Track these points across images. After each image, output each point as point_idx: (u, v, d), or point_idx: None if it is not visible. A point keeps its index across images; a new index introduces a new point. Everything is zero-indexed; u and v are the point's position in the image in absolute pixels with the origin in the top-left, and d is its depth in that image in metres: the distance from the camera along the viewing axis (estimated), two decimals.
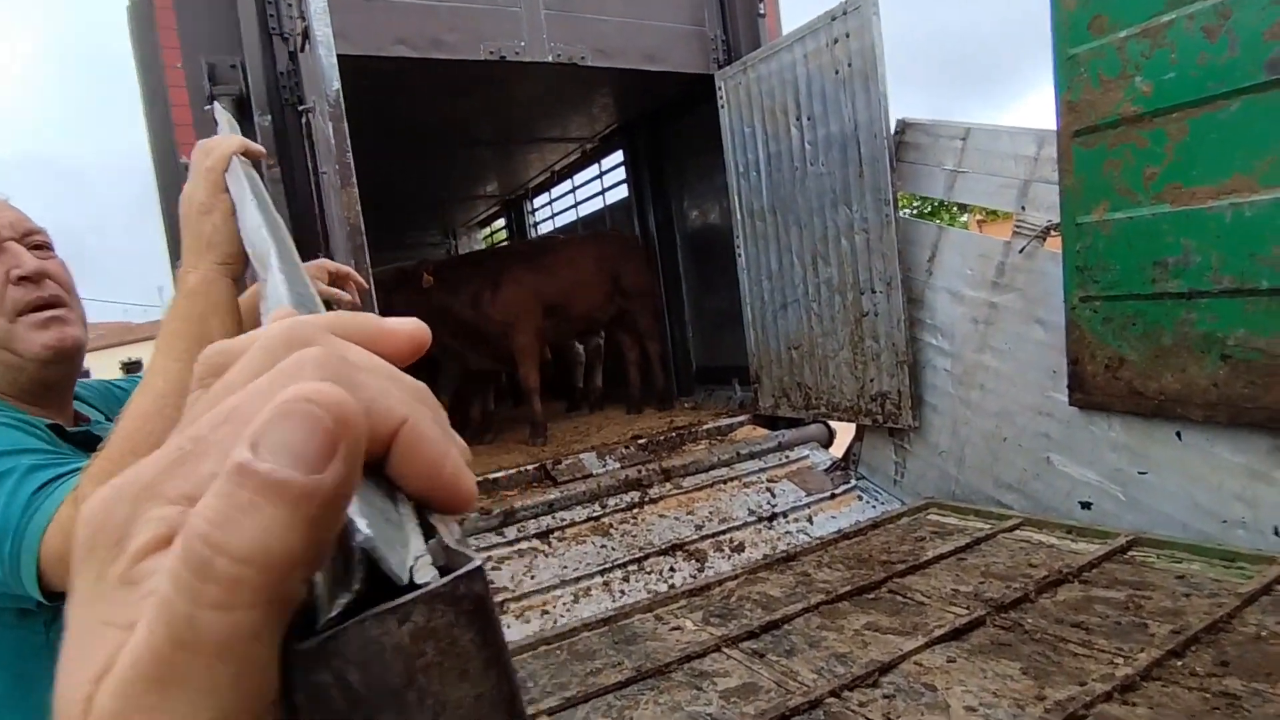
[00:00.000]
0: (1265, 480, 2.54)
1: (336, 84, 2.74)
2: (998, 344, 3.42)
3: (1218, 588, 2.32)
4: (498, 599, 3.15)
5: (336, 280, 1.23)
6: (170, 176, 3.51)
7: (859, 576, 2.80)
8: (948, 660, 2.15)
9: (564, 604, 3.15)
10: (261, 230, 0.63)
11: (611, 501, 3.85)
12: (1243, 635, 2.03)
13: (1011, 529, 3.09)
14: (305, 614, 0.23)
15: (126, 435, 0.86)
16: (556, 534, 3.60)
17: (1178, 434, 2.75)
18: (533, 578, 3.33)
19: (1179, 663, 1.95)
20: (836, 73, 3.84)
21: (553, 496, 3.77)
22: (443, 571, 0.24)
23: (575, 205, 7.76)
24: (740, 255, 4.70)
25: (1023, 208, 3.25)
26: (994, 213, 3.90)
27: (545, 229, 8.50)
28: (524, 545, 3.55)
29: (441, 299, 5.01)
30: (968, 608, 2.42)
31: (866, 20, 3.63)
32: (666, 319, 6.30)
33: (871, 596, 2.67)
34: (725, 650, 2.41)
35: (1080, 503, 3.11)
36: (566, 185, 7.81)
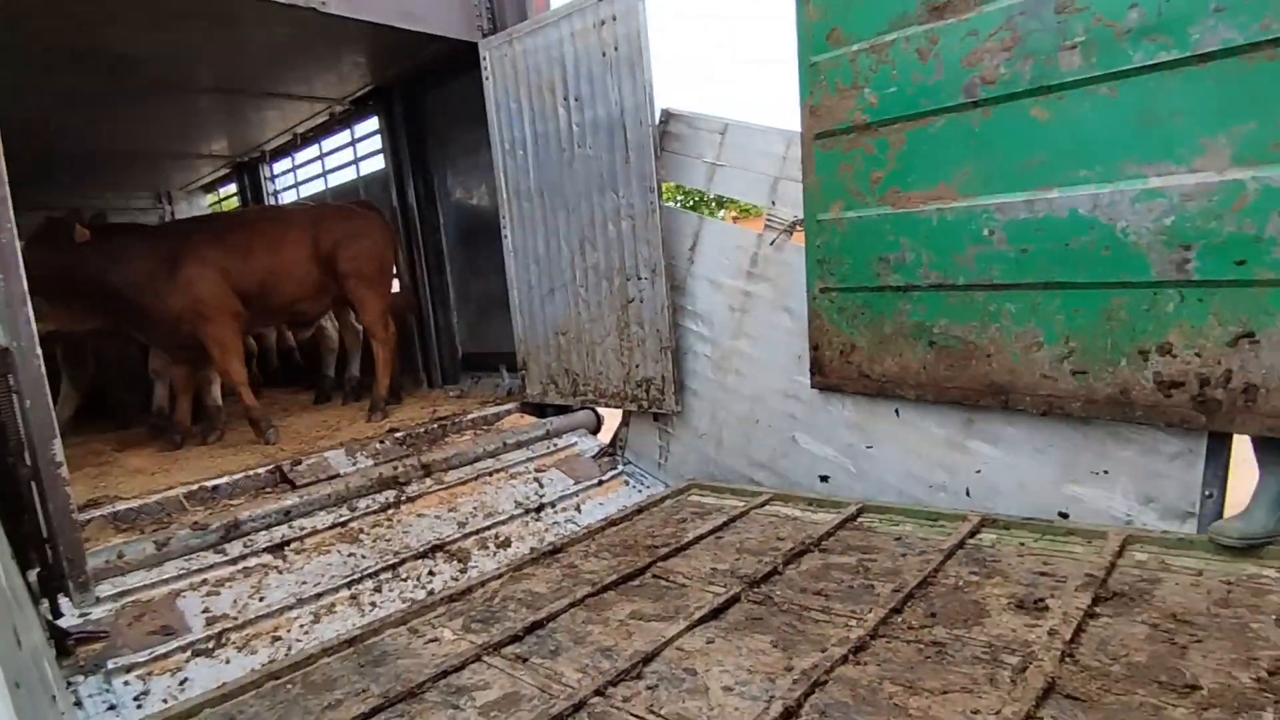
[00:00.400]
0: (960, 449, 2.95)
1: None
2: (751, 331, 3.62)
3: (926, 545, 2.64)
4: (214, 630, 2.65)
5: None
6: None
7: (624, 564, 2.78)
8: (707, 642, 2.18)
9: (301, 626, 2.75)
10: None
11: (363, 504, 3.46)
12: (945, 587, 2.32)
13: (763, 504, 3.29)
14: None
15: None
16: (294, 545, 3.14)
17: (896, 411, 3.10)
18: (262, 599, 2.87)
19: (899, 619, 2.16)
20: (604, 55, 3.78)
21: (290, 502, 3.29)
22: None
23: (324, 174, 6.96)
24: (507, 237, 4.50)
25: (773, 203, 3.46)
26: (746, 210, 4.14)
27: (288, 198, 7.53)
28: (252, 562, 3.05)
29: (106, 274, 4.04)
30: (725, 585, 2.49)
31: (633, 4, 3.61)
32: (430, 302, 5.89)
33: (637, 583, 2.66)
34: (486, 659, 2.24)
35: (820, 476, 3.41)
36: (313, 151, 6.97)
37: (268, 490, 3.58)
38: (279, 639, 2.70)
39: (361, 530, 3.29)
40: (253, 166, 7.83)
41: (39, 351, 2.47)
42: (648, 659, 2.10)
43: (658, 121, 3.75)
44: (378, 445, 3.97)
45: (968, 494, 2.95)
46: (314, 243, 4.76)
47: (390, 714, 2.01)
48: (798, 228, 3.37)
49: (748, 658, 2.07)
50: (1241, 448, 2.40)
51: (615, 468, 4.15)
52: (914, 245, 2.84)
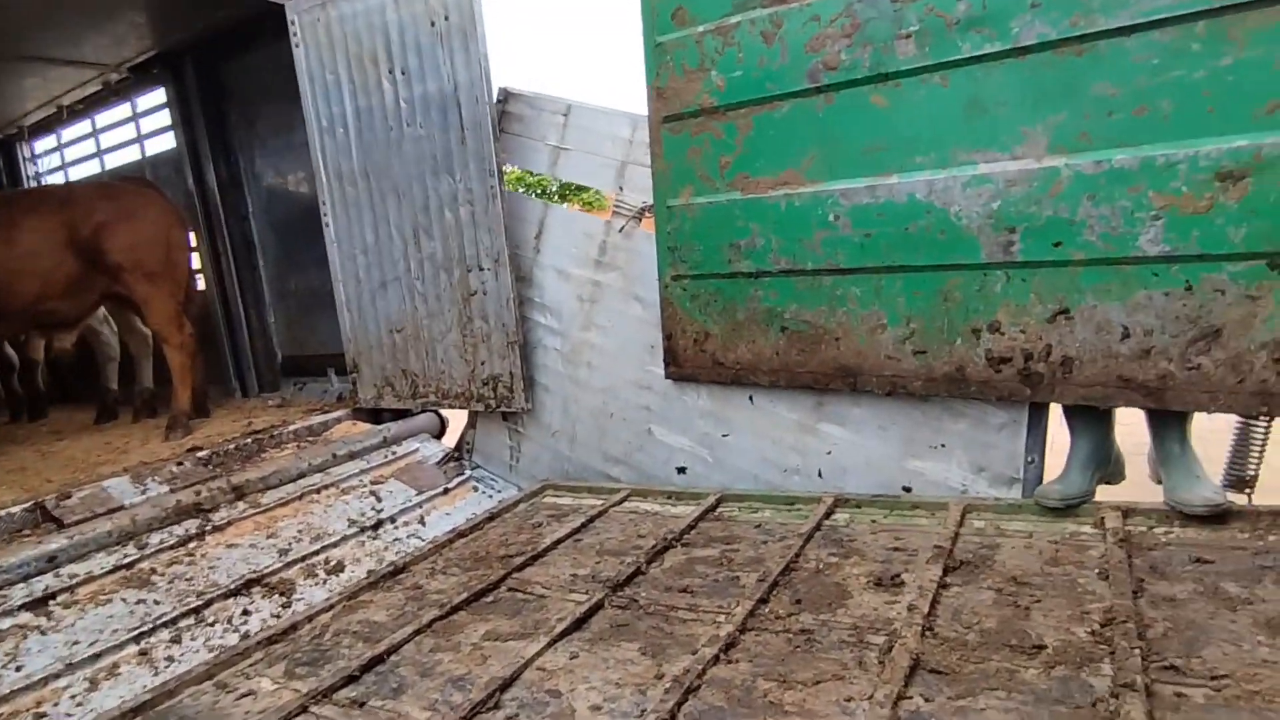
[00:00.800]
0: (811, 432, 2.99)
1: None
2: (602, 321, 3.48)
3: (785, 530, 2.63)
4: None
5: None
6: None
7: (476, 579, 2.54)
8: (570, 657, 2.00)
9: (73, 698, 2.24)
10: None
11: (155, 539, 2.92)
12: (807, 571, 2.30)
13: (621, 501, 3.16)
14: None
15: None
16: (61, 598, 2.58)
17: (750, 398, 3.10)
18: (19, 669, 2.31)
19: (766, 609, 2.11)
20: (433, 25, 3.47)
21: (56, 545, 2.71)
22: None
23: (99, 154, 5.95)
24: (329, 225, 4.03)
25: (620, 188, 3.34)
26: (590, 204, 3.99)
27: (53, 181, 6.37)
28: (5, 624, 2.46)
29: None
30: (586, 592, 2.33)
31: None
32: (240, 301, 5.21)
33: (490, 600, 2.42)
34: (314, 710, 1.91)
35: (677, 468, 3.34)
36: (84, 126, 5.94)
37: (25, 533, 2.93)
38: (43, 716, 2.18)
39: (154, 570, 2.78)
40: (8, 145, 6.56)
41: None
42: (505, 685, 1.89)
43: (496, 100, 3.50)
44: (174, 468, 3.39)
45: (820, 475, 3.00)
46: (67, 228, 3.91)
47: None
48: (647, 214, 3.27)
49: (615, 670, 1.91)
50: (1057, 416, 2.61)
51: (462, 473, 3.85)
52: (764, 231, 2.82)
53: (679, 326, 3.16)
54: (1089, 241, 2.21)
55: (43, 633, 2.45)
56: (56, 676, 2.30)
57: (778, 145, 2.73)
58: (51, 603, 2.56)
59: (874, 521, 2.62)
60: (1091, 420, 2.49)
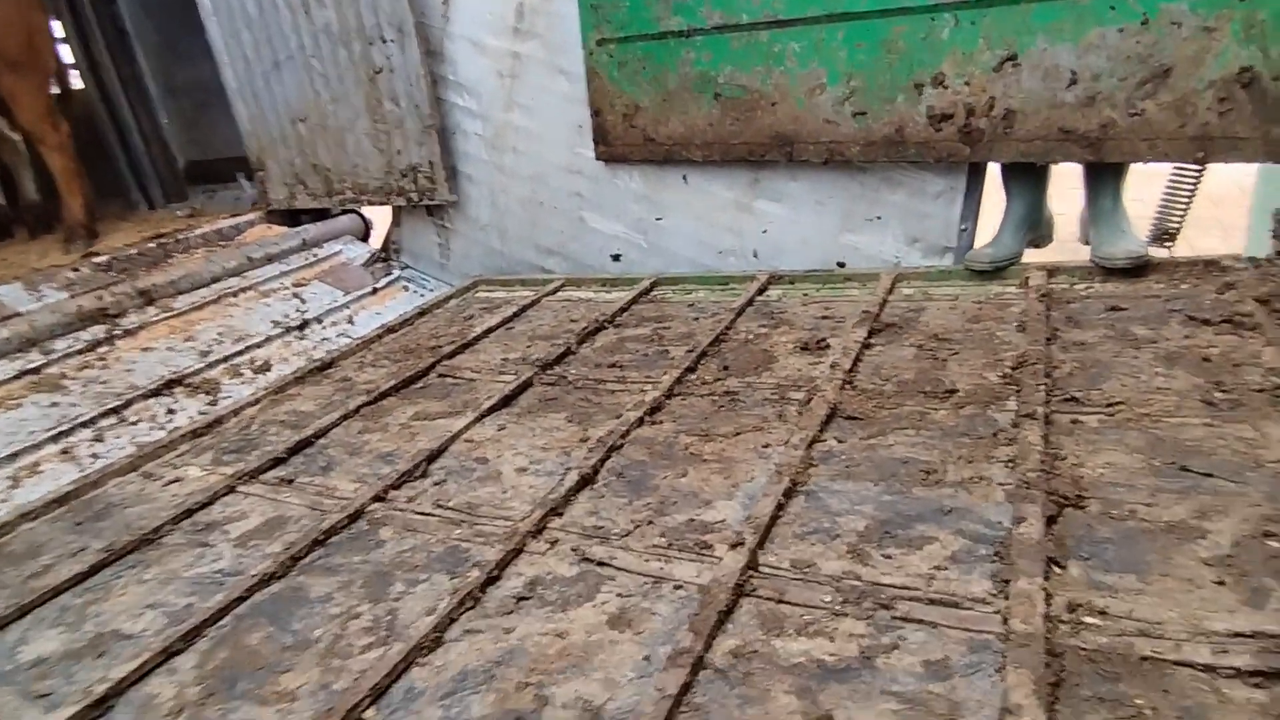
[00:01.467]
0: (747, 211, 2.88)
1: None
2: (525, 100, 3.18)
3: (718, 307, 2.60)
4: None
5: None
6: None
7: (405, 369, 2.49)
8: (498, 429, 2.01)
9: None
10: None
11: (61, 345, 2.77)
12: (736, 342, 2.30)
13: (554, 291, 3.08)
14: None
15: None
16: None
17: (684, 178, 2.93)
18: None
19: (693, 376, 2.12)
20: None
21: None
22: None
23: None
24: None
25: None
26: None
27: None
28: None
29: None
30: (515, 373, 2.31)
31: None
32: (122, 98, 4.62)
33: (419, 386, 2.39)
34: (241, 489, 1.91)
35: (611, 256, 3.23)
36: None
37: None
38: None
39: (64, 375, 2.65)
40: None
41: None
42: (433, 456, 1.90)
43: None
44: (70, 274, 3.15)
45: (755, 256, 2.93)
46: None
47: (117, 568, 1.66)
48: None
49: (541, 437, 1.93)
50: (993, 183, 2.54)
51: (390, 273, 3.70)
52: None
53: (607, 100, 2.90)
54: None
55: None
56: None
57: None
58: None
59: (806, 295, 2.61)
60: (1027, 182, 2.43)
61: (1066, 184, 2.66)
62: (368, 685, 1.18)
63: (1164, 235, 2.31)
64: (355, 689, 1.18)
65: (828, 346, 2.15)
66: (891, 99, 2.34)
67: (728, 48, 2.55)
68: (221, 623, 1.42)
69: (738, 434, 1.78)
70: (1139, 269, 2.17)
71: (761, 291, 2.65)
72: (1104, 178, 2.27)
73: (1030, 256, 2.48)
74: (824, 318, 2.37)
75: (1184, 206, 2.27)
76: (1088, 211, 2.35)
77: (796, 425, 1.73)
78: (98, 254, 3.40)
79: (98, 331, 2.85)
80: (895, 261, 2.68)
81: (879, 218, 2.67)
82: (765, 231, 2.89)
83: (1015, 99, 2.17)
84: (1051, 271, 2.31)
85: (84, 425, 2.46)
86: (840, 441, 1.66)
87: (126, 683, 1.29)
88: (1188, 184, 2.25)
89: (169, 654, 1.35)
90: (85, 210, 3.94)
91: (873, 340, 2.13)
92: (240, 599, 1.46)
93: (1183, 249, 2.37)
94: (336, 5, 3.21)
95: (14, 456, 2.31)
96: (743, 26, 2.50)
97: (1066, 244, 2.62)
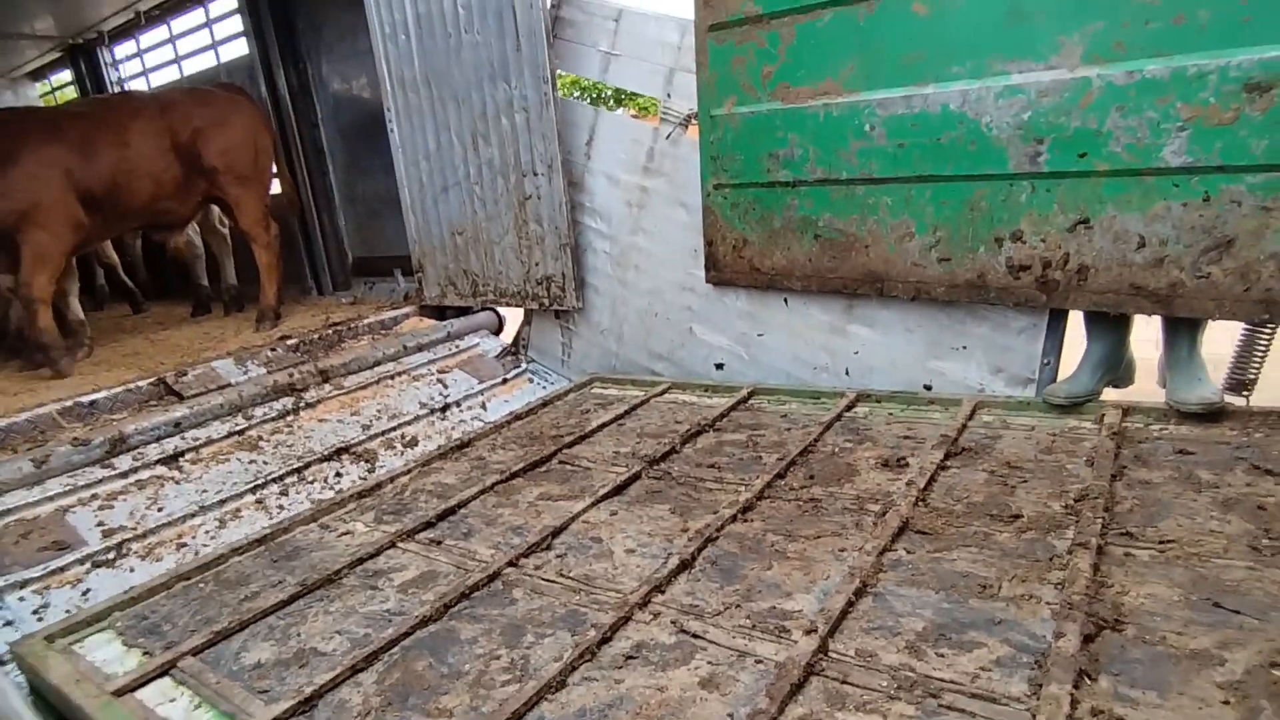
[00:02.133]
0: (841, 334, 3.20)
1: None
2: (649, 226, 3.69)
3: (808, 420, 2.90)
4: (112, 541, 2.60)
5: None
6: None
7: (531, 453, 2.91)
8: (611, 514, 2.36)
9: (207, 532, 2.74)
10: None
11: (259, 411, 3.39)
12: (823, 454, 2.58)
13: (662, 393, 3.47)
14: None
15: None
16: (189, 456, 3.06)
17: (785, 301, 3.30)
18: (160, 509, 2.82)
19: (782, 482, 2.40)
20: None
21: (179, 414, 3.18)
22: None
23: (177, 60, 6.25)
24: (393, 131, 4.27)
25: (668, 95, 3.46)
26: (645, 109, 4.08)
27: (136, 88, 6.74)
28: (144, 475, 2.97)
29: None
30: (626, 466, 2.67)
31: None
32: (313, 204, 5.56)
33: (544, 469, 2.79)
34: (401, 545, 2.33)
35: (715, 364, 3.61)
36: (161, 32, 6.22)
37: (152, 403, 3.43)
38: (185, 545, 2.69)
39: (260, 438, 3.24)
40: (89, 50, 6.91)
41: None
42: (556, 532, 2.26)
43: (549, 5, 3.61)
44: (269, 353, 3.84)
45: (847, 374, 3.22)
46: (169, 132, 4.24)
47: (310, 599, 2.09)
48: (693, 121, 3.40)
49: (648, 524, 2.26)
50: (1075, 321, 2.75)
51: (519, 366, 4.22)
52: (802, 141, 2.94)
53: (719, 234, 3.35)
54: (1114, 153, 2.29)
55: (176, 483, 2.95)
56: (192, 516, 2.80)
57: (818, 54, 2.81)
58: (181, 459, 3.05)
59: (890, 415, 2.86)
60: (1107, 326, 2.63)
61: (1150, 330, 2.83)
62: (509, 711, 1.50)
63: (1240, 385, 2.44)
64: (499, 712, 1.50)
65: (906, 465, 2.39)
66: (974, 249, 2.64)
67: (828, 198, 2.95)
68: (392, 651, 1.79)
69: (818, 537, 2.05)
70: (1213, 415, 2.31)
71: (850, 408, 2.93)
72: (1180, 327, 2.45)
73: (1109, 395, 2.65)
74: (906, 437, 2.61)
75: (1260, 358, 2.40)
76: (1165, 357, 2.52)
77: (871, 534, 1.98)
78: (288, 337, 4.10)
79: (287, 403, 3.46)
80: (979, 389, 2.90)
81: (964, 347, 2.92)
82: (857, 353, 3.19)
83: (1088, 256, 2.42)
84: (1127, 411, 2.48)
85: (274, 480, 3.00)
86: (909, 552, 1.90)
87: (326, 688, 1.67)
88: (1264, 337, 2.40)
89: (355, 670, 1.73)
90: (278, 298, 4.75)
91: (949, 463, 2.35)
92: (406, 634, 1.84)
93: (1265, 397, 2.48)
94: (499, 145, 3.88)
95: (222, 502, 2.86)
96: (841, 181, 2.90)
97: (1145, 386, 2.76)
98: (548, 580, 2.02)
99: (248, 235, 4.64)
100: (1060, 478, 2.15)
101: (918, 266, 2.80)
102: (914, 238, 2.77)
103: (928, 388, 3.02)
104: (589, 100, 12.94)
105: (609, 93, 12.41)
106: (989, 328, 2.84)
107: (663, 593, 1.88)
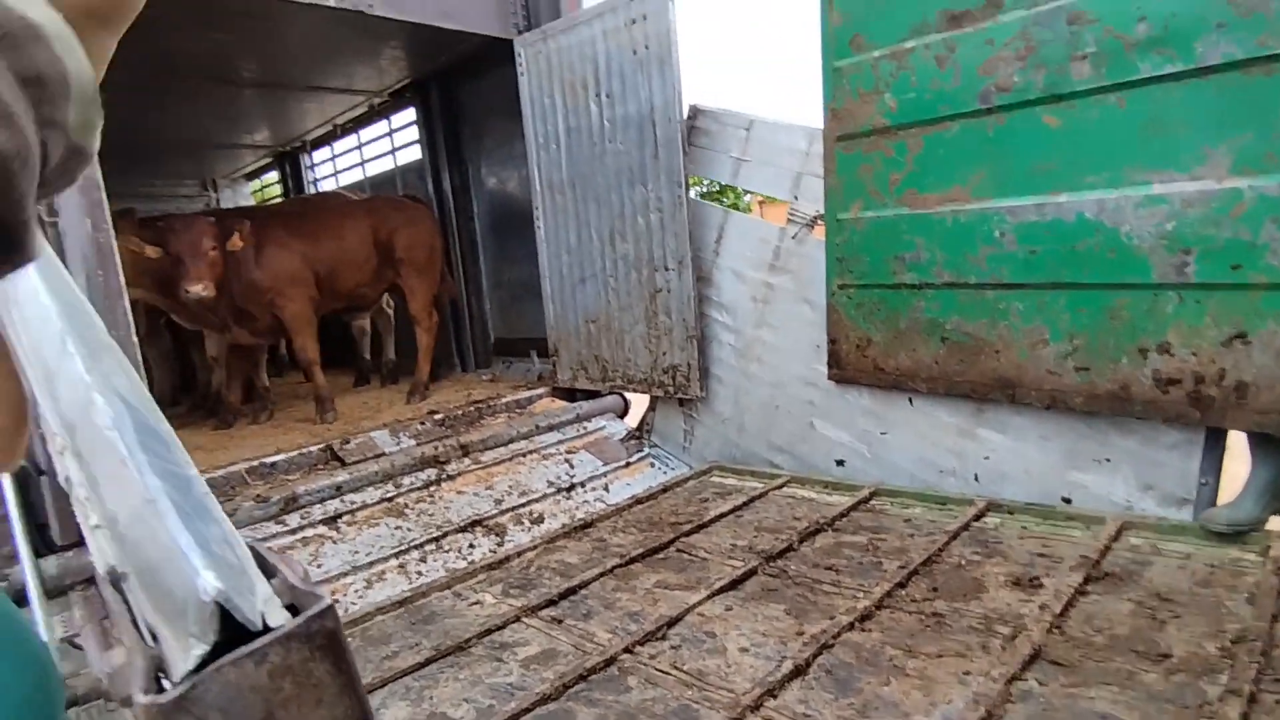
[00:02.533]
0: (970, 437, 3.11)
1: None
2: (773, 321, 3.79)
3: (933, 527, 2.81)
4: None
5: None
6: None
7: (650, 539, 3.00)
8: (726, 609, 2.39)
9: (356, 590, 3.01)
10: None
11: (407, 480, 3.72)
12: (948, 565, 2.50)
13: (781, 486, 3.48)
14: (157, 669, 0.24)
15: None
16: (345, 518, 3.41)
17: (910, 400, 3.27)
18: (320, 566, 3.14)
19: (903, 592, 2.35)
20: (635, 53, 3.94)
21: (341, 479, 3.56)
22: (291, 609, 0.27)
23: (362, 163, 7.21)
24: (540, 228, 4.70)
25: (795, 197, 3.61)
26: (770, 198, 4.28)
27: (327, 186, 7.80)
28: (309, 533, 3.32)
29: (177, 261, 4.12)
30: (743, 560, 2.70)
31: (663, 4, 3.76)
32: (464, 288, 6.13)
33: (661, 556, 2.88)
34: (525, 620, 2.47)
35: (836, 460, 3.59)
36: (351, 141, 7.22)
37: (319, 467, 3.86)
38: (337, 600, 2.96)
39: (406, 505, 3.55)
40: (293, 156, 8.12)
41: (135, 339, 2.74)
42: (672, 622, 2.32)
43: (685, 117, 3.91)
44: (419, 426, 4.23)
45: (976, 479, 3.11)
46: (373, 231, 5.10)
47: (442, 664, 2.25)
48: (818, 222, 3.52)
49: (763, 623, 2.27)
50: (1236, 438, 2.54)
51: (642, 450, 4.37)
52: (929, 245, 2.98)
53: (843, 332, 3.39)
54: (1272, 265, 2.17)
55: (334, 542, 3.28)
56: (344, 575, 3.09)
57: (946, 163, 2.87)
58: (339, 521, 3.40)
59: (1024, 528, 2.73)
60: (1274, 448, 2.41)
61: None
62: None
63: None
64: None
65: (1040, 585, 2.27)
66: (1115, 359, 2.54)
67: (955, 301, 2.95)
68: None
69: (940, 656, 1.98)
70: None
71: (979, 517, 2.82)
72: None
73: (1277, 524, 2.40)
74: (1040, 555, 2.48)
75: None
76: None
77: (999, 659, 1.90)
78: (436, 411, 4.50)
79: (431, 474, 3.78)
80: (1125, 506, 2.72)
81: (1108, 460, 2.76)
82: (987, 458, 3.08)
83: (1248, 373, 2.27)
84: None
85: (415, 547, 3.27)
86: (1041, 684, 1.80)
87: None
88: None
89: None
90: (430, 376, 5.26)
91: (1089, 587, 2.22)
92: (527, 709, 1.95)
93: None
94: (635, 241, 4.17)
95: (370, 564, 3.15)
96: (970, 285, 2.89)
97: None
98: (661, 671, 2.08)
99: (415, 319, 5.29)
100: (1217, 615, 1.97)
101: (1052, 374, 2.71)
102: (1048, 344, 2.70)
103: (1067, 501, 2.86)
104: (713, 193, 13.44)
105: (744, 200, 12.86)
106: (1137, 441, 2.68)
107: (775, 697, 1.88)
